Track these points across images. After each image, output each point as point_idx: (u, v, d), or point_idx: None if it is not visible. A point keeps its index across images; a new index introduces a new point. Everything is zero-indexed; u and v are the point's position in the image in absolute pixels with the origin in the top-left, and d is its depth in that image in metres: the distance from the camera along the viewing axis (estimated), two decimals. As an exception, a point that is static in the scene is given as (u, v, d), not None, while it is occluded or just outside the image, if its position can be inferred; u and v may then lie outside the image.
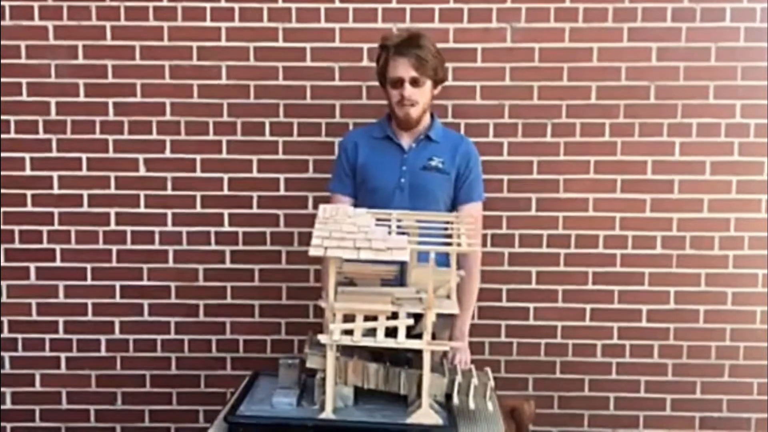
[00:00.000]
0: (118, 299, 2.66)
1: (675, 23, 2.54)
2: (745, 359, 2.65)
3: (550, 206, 2.61)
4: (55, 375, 2.69)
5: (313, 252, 1.52)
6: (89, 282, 2.65)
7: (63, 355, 2.68)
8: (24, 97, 2.59)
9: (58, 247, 2.64)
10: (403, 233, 1.63)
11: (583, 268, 2.63)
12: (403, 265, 1.76)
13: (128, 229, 2.63)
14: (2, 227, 2.63)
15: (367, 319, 1.56)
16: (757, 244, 2.61)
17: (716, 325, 2.64)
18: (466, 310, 2.11)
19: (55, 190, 2.62)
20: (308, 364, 1.63)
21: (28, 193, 2.62)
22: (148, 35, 2.56)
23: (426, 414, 1.55)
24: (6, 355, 2.68)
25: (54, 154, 2.61)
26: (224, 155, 2.61)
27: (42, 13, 2.55)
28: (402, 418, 1.57)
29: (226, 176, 2.61)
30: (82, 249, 2.64)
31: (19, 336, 2.67)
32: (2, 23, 2.55)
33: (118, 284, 2.65)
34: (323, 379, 1.59)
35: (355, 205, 2.16)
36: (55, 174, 2.62)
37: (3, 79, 2.58)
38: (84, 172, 2.61)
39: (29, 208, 2.63)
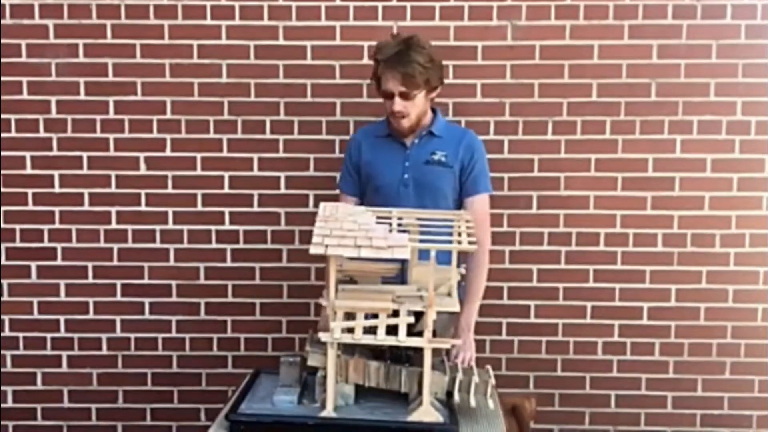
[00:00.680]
0: (119, 298, 2.66)
1: (676, 20, 2.54)
2: (746, 356, 2.65)
3: (551, 204, 2.61)
4: (57, 373, 2.69)
5: (313, 250, 1.52)
6: (90, 280, 2.65)
7: (64, 354, 2.68)
8: (24, 96, 2.59)
9: (59, 246, 2.64)
10: (404, 231, 1.63)
11: (584, 266, 2.63)
12: (404, 263, 1.76)
13: (129, 227, 2.63)
14: (3, 226, 2.64)
15: (367, 317, 1.57)
16: (758, 242, 2.60)
17: (717, 323, 2.64)
18: (472, 303, 2.10)
19: (56, 189, 2.62)
20: (309, 362, 1.63)
21: (29, 191, 2.62)
22: (149, 33, 2.56)
23: (427, 412, 1.55)
24: (7, 353, 2.68)
25: (55, 152, 2.61)
26: (225, 153, 2.61)
27: (42, 12, 2.55)
28: (403, 416, 1.57)
29: (226, 174, 2.61)
30: (83, 248, 2.64)
31: (21, 334, 2.68)
32: (2, 22, 2.55)
33: (119, 283, 2.66)
34: (324, 377, 1.59)
35: (363, 204, 2.18)
36: (55, 173, 2.62)
37: (3, 78, 2.58)
38: (85, 171, 2.61)
39: (30, 207, 2.63)
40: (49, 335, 2.67)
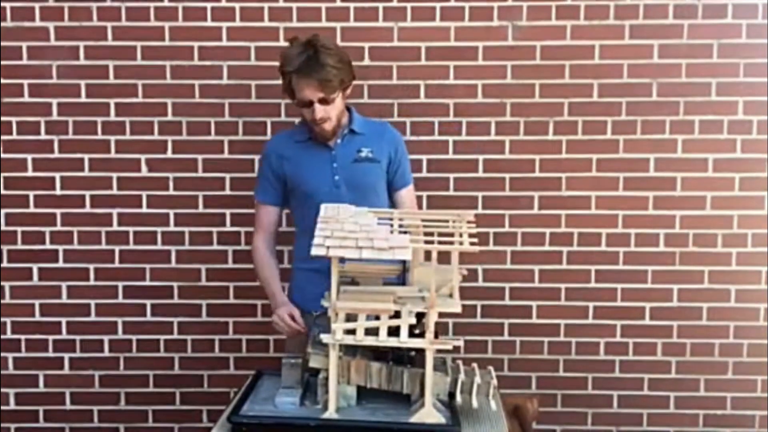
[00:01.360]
0: (120, 299, 2.66)
1: (677, 20, 2.54)
2: (749, 356, 2.64)
3: (553, 204, 2.61)
4: (59, 375, 2.69)
5: (315, 252, 1.52)
6: (92, 282, 2.66)
7: (66, 356, 2.69)
8: (25, 98, 2.59)
9: (60, 248, 2.64)
10: (405, 232, 1.62)
11: (585, 266, 2.63)
12: (405, 263, 1.76)
13: (130, 229, 2.63)
14: (5, 228, 2.64)
15: (369, 318, 1.56)
16: (760, 241, 2.60)
17: (719, 323, 2.64)
18: None
19: (58, 191, 2.62)
20: (311, 364, 1.62)
21: (30, 194, 2.62)
22: (149, 35, 2.56)
23: (429, 413, 1.55)
24: (9, 355, 2.68)
25: (56, 155, 2.61)
26: (226, 155, 2.61)
27: (43, 14, 2.55)
28: (405, 417, 1.57)
29: (227, 176, 2.61)
30: (85, 250, 2.64)
31: (23, 337, 2.68)
32: (3, 24, 2.55)
33: (120, 285, 2.66)
34: (326, 379, 1.59)
35: (285, 213, 2.19)
36: (57, 175, 2.62)
37: (4, 81, 2.58)
38: (86, 173, 2.61)
39: (31, 209, 2.63)
40: (50, 337, 2.68)
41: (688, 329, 2.64)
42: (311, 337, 1.70)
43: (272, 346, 2.66)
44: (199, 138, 2.60)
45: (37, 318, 2.67)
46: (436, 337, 1.55)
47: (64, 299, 2.66)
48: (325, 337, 1.55)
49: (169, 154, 2.61)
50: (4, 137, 2.61)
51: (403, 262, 1.74)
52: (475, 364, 1.72)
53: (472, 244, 1.57)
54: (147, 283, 2.65)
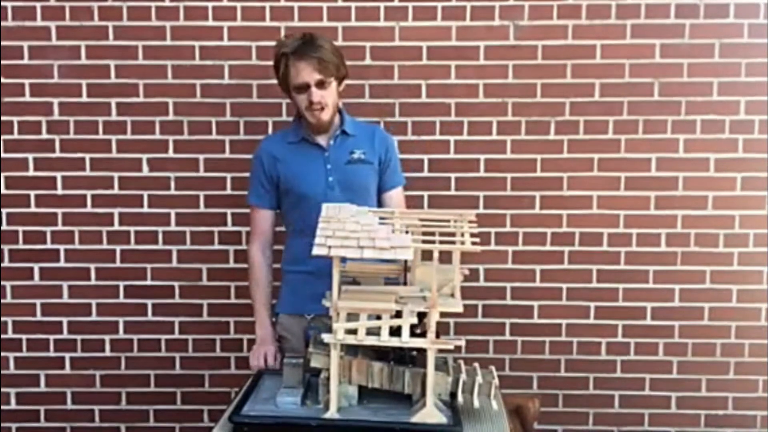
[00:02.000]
0: (122, 299, 2.66)
1: (678, 20, 2.53)
2: (751, 356, 2.64)
3: (554, 204, 2.61)
4: (60, 375, 2.69)
5: (316, 251, 1.51)
6: (93, 282, 2.66)
7: (67, 356, 2.69)
8: (27, 98, 2.59)
9: (61, 248, 2.64)
10: (406, 232, 1.62)
11: (587, 266, 2.63)
12: (406, 263, 1.76)
13: (132, 229, 2.63)
14: (6, 228, 2.64)
15: (370, 317, 1.56)
16: (761, 241, 2.60)
17: (721, 323, 2.63)
18: None
19: (59, 191, 2.62)
20: (312, 364, 1.62)
21: (32, 193, 2.62)
22: (151, 35, 2.56)
23: (430, 413, 1.54)
24: (10, 355, 2.68)
25: (57, 154, 2.61)
26: (227, 155, 2.61)
27: (44, 14, 2.55)
28: (406, 417, 1.57)
29: (229, 176, 2.61)
30: (86, 249, 2.64)
31: (24, 336, 2.68)
32: (4, 24, 2.55)
33: (121, 284, 2.66)
34: (327, 379, 1.58)
35: (280, 215, 2.19)
36: (58, 174, 2.62)
37: (5, 80, 2.58)
38: (87, 173, 2.61)
39: (33, 209, 2.63)
40: (51, 337, 2.68)
41: (689, 329, 2.64)
42: (309, 338, 1.69)
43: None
44: (200, 137, 2.60)
45: (38, 318, 2.67)
46: (437, 336, 1.55)
47: (65, 299, 2.66)
48: (326, 337, 1.55)
49: (171, 154, 2.61)
50: (5, 137, 2.61)
51: (405, 261, 1.74)
52: (476, 364, 1.71)
53: (473, 243, 1.56)
54: (148, 282, 2.65)
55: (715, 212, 2.60)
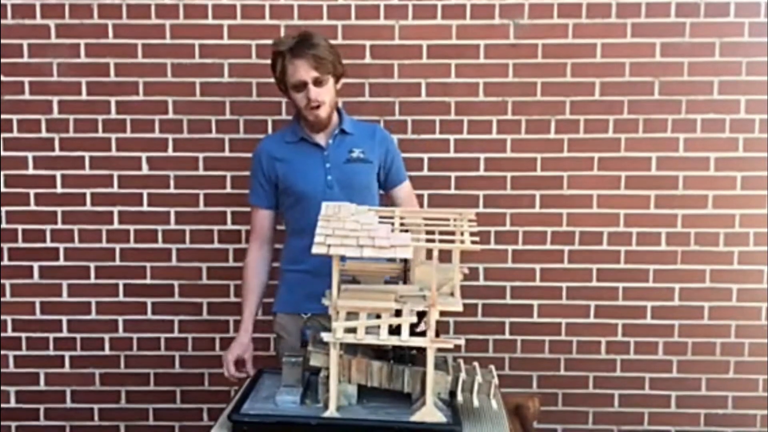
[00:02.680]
0: (121, 298, 2.66)
1: (679, 18, 2.53)
2: (750, 356, 2.64)
3: (554, 203, 2.60)
4: (60, 374, 2.69)
5: (316, 250, 1.51)
6: (93, 281, 2.65)
7: (67, 354, 2.68)
8: (26, 96, 2.59)
9: (61, 246, 2.64)
10: (406, 230, 1.62)
11: (587, 265, 2.62)
12: (406, 262, 1.76)
13: (131, 227, 2.63)
14: (5, 226, 2.64)
15: (370, 316, 1.56)
16: (762, 241, 2.60)
17: (721, 322, 2.63)
18: None
19: (58, 189, 2.62)
20: (312, 363, 1.62)
21: (31, 192, 2.62)
22: (150, 33, 2.56)
23: (430, 412, 1.54)
24: (10, 353, 2.68)
25: (57, 153, 2.61)
26: (227, 153, 2.60)
27: (44, 12, 2.55)
28: (406, 416, 1.56)
29: (228, 174, 2.61)
30: (85, 248, 2.64)
31: (23, 335, 2.68)
32: (3, 22, 2.55)
33: (121, 283, 2.66)
34: (327, 377, 1.58)
35: (281, 215, 2.18)
36: (57, 173, 2.62)
37: (5, 78, 2.58)
38: (87, 171, 2.61)
39: (32, 207, 2.63)
40: (51, 335, 2.67)
41: (689, 328, 2.64)
42: (306, 337, 1.69)
43: (273, 344, 2.65)
44: (199, 136, 2.60)
45: (38, 316, 2.67)
46: (437, 335, 1.55)
47: (65, 297, 2.66)
48: (325, 336, 1.55)
49: (170, 152, 2.61)
50: (4, 135, 2.60)
51: (404, 260, 1.74)
52: (476, 363, 1.71)
53: (473, 242, 1.56)
54: (147, 281, 2.65)
55: (715, 211, 2.59)
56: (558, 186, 2.60)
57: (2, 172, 2.62)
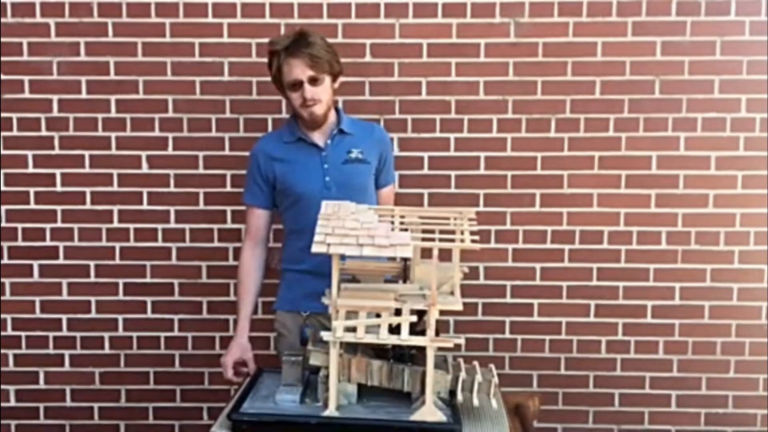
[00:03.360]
0: (121, 296, 2.66)
1: (680, 17, 2.53)
2: (751, 355, 2.64)
3: (554, 202, 2.60)
4: (59, 372, 2.69)
5: (315, 249, 1.51)
6: (92, 279, 2.65)
7: (67, 353, 2.68)
8: (26, 95, 2.58)
9: (61, 245, 2.64)
10: (406, 229, 1.62)
11: (587, 264, 2.62)
12: (406, 261, 1.75)
13: (131, 226, 2.63)
14: (5, 225, 2.63)
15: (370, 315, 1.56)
16: (762, 240, 2.59)
17: (722, 321, 2.63)
18: None
19: (58, 188, 2.62)
20: (311, 362, 1.62)
21: (31, 190, 2.62)
22: (150, 32, 2.56)
23: (430, 411, 1.54)
24: (10, 352, 2.68)
25: (56, 151, 2.61)
26: (227, 152, 2.60)
27: (44, 10, 2.55)
28: (406, 415, 1.56)
29: (228, 173, 2.61)
30: (85, 246, 2.64)
31: (23, 333, 2.67)
32: (3, 20, 2.55)
33: (121, 281, 2.65)
34: (326, 377, 1.58)
35: (277, 214, 2.17)
36: (57, 171, 2.61)
37: (5, 77, 2.58)
38: (86, 170, 2.61)
39: (32, 206, 2.62)
40: (51, 334, 2.67)
41: (689, 327, 2.63)
42: (305, 336, 1.69)
43: (272, 343, 2.65)
44: (199, 135, 2.60)
45: (38, 315, 2.67)
46: (437, 334, 1.55)
47: (65, 296, 2.66)
48: (325, 335, 1.54)
49: (170, 151, 2.61)
50: (4, 133, 2.60)
51: (404, 259, 1.73)
52: (476, 362, 1.71)
53: (473, 241, 1.56)
54: (147, 280, 2.65)
55: (715, 210, 2.59)
56: (558, 185, 2.59)
57: (2, 171, 2.62)
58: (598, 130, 2.58)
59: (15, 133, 2.60)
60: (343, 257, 1.61)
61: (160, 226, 2.63)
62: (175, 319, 2.67)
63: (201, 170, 2.61)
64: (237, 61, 2.56)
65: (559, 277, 2.63)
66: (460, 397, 1.59)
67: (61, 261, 2.64)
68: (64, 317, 2.67)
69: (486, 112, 2.57)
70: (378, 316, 1.55)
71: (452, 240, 1.57)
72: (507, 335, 2.66)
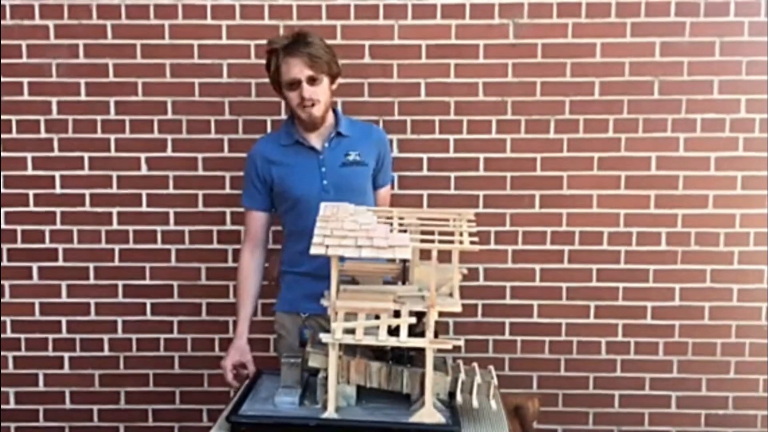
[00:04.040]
0: (120, 298, 2.66)
1: (679, 18, 2.53)
2: (751, 356, 2.63)
3: (554, 203, 2.60)
4: (59, 374, 2.69)
5: (314, 250, 1.51)
6: (92, 281, 2.65)
7: (66, 355, 2.68)
8: (25, 97, 2.58)
9: (60, 247, 2.64)
10: (405, 231, 1.62)
11: (587, 265, 2.62)
12: (405, 263, 1.75)
13: (130, 228, 2.63)
14: (4, 227, 2.63)
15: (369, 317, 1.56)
16: (762, 240, 2.59)
17: (721, 322, 2.63)
18: None
19: (57, 190, 2.62)
20: (310, 363, 1.62)
21: (30, 192, 2.62)
22: (149, 34, 2.56)
23: (429, 413, 1.54)
24: (9, 354, 2.68)
25: (56, 153, 2.61)
26: (226, 153, 2.60)
27: (43, 12, 2.55)
28: (405, 417, 1.56)
29: (228, 174, 2.61)
30: (85, 248, 2.64)
31: (23, 336, 2.67)
32: (2, 22, 2.55)
33: (120, 283, 2.65)
34: (325, 378, 1.58)
35: (276, 217, 2.17)
36: (57, 173, 2.61)
37: (4, 79, 2.58)
38: (86, 172, 2.61)
39: (31, 208, 2.62)
40: (50, 336, 2.67)
41: (689, 328, 2.63)
42: (304, 337, 1.69)
43: (272, 345, 2.65)
44: (199, 136, 2.60)
45: (37, 317, 2.67)
46: (436, 336, 1.54)
47: (64, 298, 2.66)
48: (324, 337, 1.54)
49: (169, 153, 2.60)
50: (3, 135, 2.60)
51: (403, 261, 1.73)
52: (475, 364, 1.71)
53: (472, 243, 1.56)
54: (147, 282, 2.65)
55: (715, 211, 2.59)
56: (558, 186, 2.59)
57: (1, 173, 2.62)
58: (598, 131, 2.57)
59: (14, 135, 2.60)
60: (342, 259, 1.61)
61: (159, 228, 2.63)
62: (174, 320, 2.67)
63: (200, 172, 2.61)
64: (236, 62, 2.56)
65: (558, 278, 2.63)
66: (459, 398, 1.59)
67: (60, 263, 2.64)
68: (63, 319, 2.67)
69: (485, 113, 2.57)
70: (377, 317, 1.55)
71: (451, 241, 1.57)
72: (507, 336, 2.66)
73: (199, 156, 2.61)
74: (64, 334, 2.67)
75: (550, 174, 2.59)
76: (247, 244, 2.16)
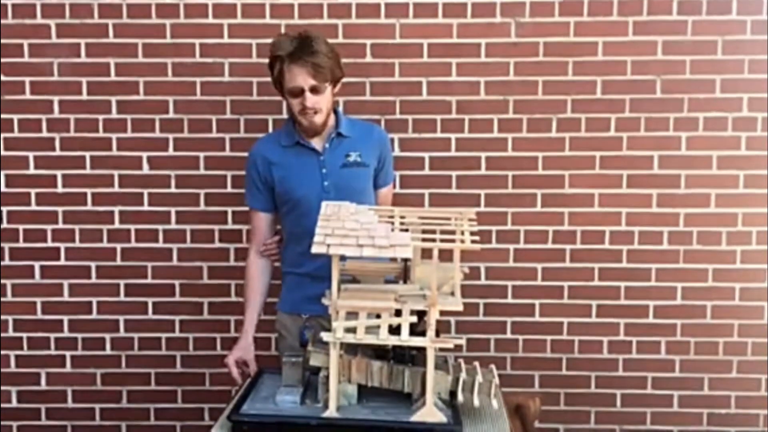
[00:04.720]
0: (122, 297, 2.66)
1: (681, 16, 2.52)
2: (753, 355, 2.63)
3: (556, 202, 2.60)
4: (61, 373, 2.69)
5: (315, 249, 1.51)
6: (94, 280, 2.65)
7: (68, 354, 2.68)
8: (27, 96, 2.59)
9: (62, 246, 2.64)
10: (406, 230, 1.61)
11: (589, 264, 2.62)
12: (406, 262, 1.75)
13: (132, 227, 2.63)
14: (6, 226, 2.64)
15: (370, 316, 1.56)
16: (764, 239, 2.58)
17: (724, 321, 2.62)
18: None
19: (59, 189, 2.62)
20: (312, 362, 1.62)
21: (32, 191, 2.62)
22: (151, 33, 2.56)
23: (430, 412, 1.54)
24: (11, 353, 2.68)
25: (57, 152, 2.61)
26: (227, 152, 2.60)
27: (44, 11, 2.55)
28: (406, 416, 1.56)
29: (229, 174, 2.61)
30: (86, 247, 2.64)
31: (25, 335, 2.68)
32: (4, 21, 2.55)
33: (122, 282, 2.65)
34: (327, 377, 1.58)
35: (278, 217, 2.16)
36: (58, 173, 2.62)
37: (5, 78, 2.58)
38: (87, 171, 2.61)
39: (33, 207, 2.63)
40: (52, 335, 2.67)
41: (692, 327, 2.63)
42: (305, 338, 1.69)
43: (273, 344, 2.65)
44: (200, 135, 2.60)
45: (39, 316, 2.67)
46: (437, 335, 1.54)
47: (66, 297, 2.66)
48: (325, 336, 1.54)
49: (171, 152, 2.61)
50: (5, 135, 2.60)
51: (405, 260, 1.73)
52: (476, 363, 1.71)
53: (473, 242, 1.56)
54: (148, 281, 2.65)
55: (717, 210, 2.58)
56: (559, 185, 2.59)
57: (3, 172, 2.62)
58: (600, 129, 2.57)
59: (16, 134, 2.60)
60: (343, 258, 1.61)
61: (160, 227, 2.63)
62: (176, 320, 2.67)
63: (202, 171, 2.61)
64: (237, 61, 2.56)
65: (560, 277, 2.62)
66: (460, 397, 1.59)
67: (62, 262, 2.65)
68: (65, 318, 2.67)
69: (487, 112, 2.57)
70: (378, 316, 1.55)
71: (452, 240, 1.57)
72: (508, 335, 2.65)
73: (201, 155, 2.61)
74: (66, 333, 2.67)
75: (551, 173, 2.59)
76: (254, 244, 2.17)
